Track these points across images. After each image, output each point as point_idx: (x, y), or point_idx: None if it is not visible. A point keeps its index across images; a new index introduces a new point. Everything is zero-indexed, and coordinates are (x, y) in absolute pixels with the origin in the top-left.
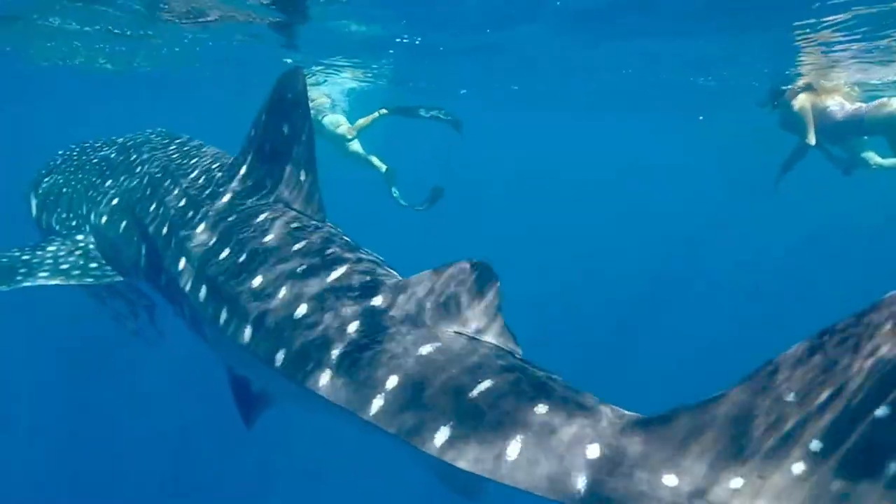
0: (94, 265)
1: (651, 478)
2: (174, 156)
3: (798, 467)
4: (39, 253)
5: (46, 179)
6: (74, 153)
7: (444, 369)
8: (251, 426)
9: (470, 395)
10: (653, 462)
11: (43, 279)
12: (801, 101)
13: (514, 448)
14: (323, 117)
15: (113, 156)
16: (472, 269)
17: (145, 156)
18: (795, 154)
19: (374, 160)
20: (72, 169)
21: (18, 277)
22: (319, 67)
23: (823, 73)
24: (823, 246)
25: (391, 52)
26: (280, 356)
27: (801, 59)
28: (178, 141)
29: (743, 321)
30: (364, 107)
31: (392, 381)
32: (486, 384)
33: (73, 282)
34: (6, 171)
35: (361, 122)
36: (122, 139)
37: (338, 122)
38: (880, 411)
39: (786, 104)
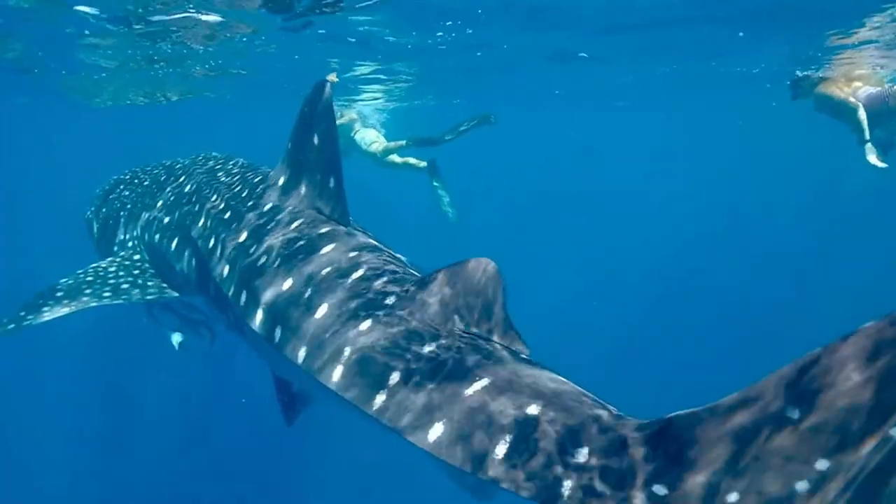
0: (151, 283)
1: (641, 487)
2: (219, 173)
3: (802, 486)
4: (101, 274)
5: (103, 204)
6: (127, 178)
7: (445, 367)
8: (291, 423)
9: (466, 392)
10: (645, 471)
11: (107, 299)
12: (825, 86)
13: (501, 448)
14: (355, 133)
15: (163, 178)
16: (477, 269)
17: (193, 175)
18: (858, 132)
19: (412, 161)
20: (126, 193)
21: (85, 298)
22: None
23: (852, 61)
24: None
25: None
26: (301, 353)
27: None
28: (222, 159)
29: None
30: (401, 123)
31: (394, 378)
32: (483, 382)
33: (134, 300)
34: (61, 198)
35: (390, 145)
36: (169, 162)
37: (370, 139)
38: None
39: (809, 89)
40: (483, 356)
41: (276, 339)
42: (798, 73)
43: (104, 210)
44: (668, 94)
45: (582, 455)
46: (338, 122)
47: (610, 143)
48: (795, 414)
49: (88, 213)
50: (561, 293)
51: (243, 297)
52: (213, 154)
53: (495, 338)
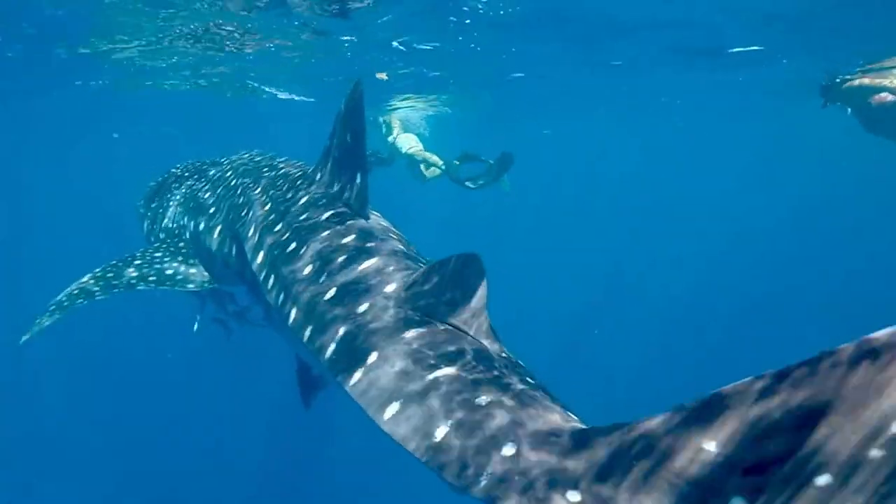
0: (193, 271)
1: (552, 491)
2: (264, 168)
3: None
4: (147, 259)
5: (155, 195)
6: (177, 172)
7: (414, 353)
8: (308, 406)
9: (426, 378)
10: (560, 476)
11: (153, 284)
12: (856, 82)
13: (441, 431)
14: (395, 137)
15: (211, 171)
16: (463, 264)
17: (238, 170)
18: None
19: (438, 164)
20: (176, 185)
21: (132, 281)
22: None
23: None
24: None
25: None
26: (307, 332)
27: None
28: (267, 156)
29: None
30: (444, 133)
31: (372, 357)
32: (443, 371)
33: (177, 287)
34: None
35: (428, 156)
36: (218, 158)
37: (410, 142)
38: (821, 479)
39: (839, 92)
40: (447, 347)
41: (290, 321)
42: (839, 78)
43: (155, 201)
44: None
45: (508, 450)
46: (393, 136)
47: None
48: (713, 447)
49: (140, 203)
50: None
51: (271, 281)
52: (259, 151)
53: (471, 330)
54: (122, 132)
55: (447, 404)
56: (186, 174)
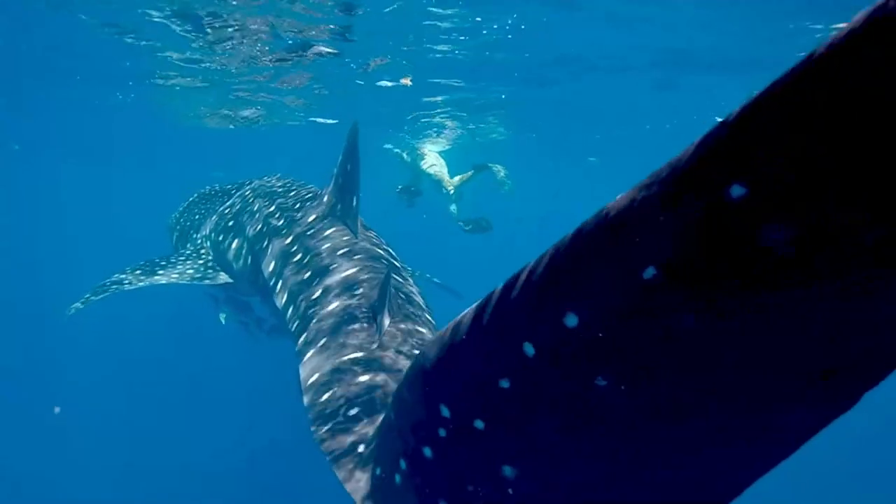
0: (210, 270)
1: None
2: (280, 189)
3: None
4: (172, 260)
5: (184, 211)
6: (205, 192)
7: (335, 334)
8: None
9: (337, 358)
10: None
11: (175, 278)
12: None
13: (329, 396)
14: (422, 161)
15: (234, 191)
16: (387, 278)
17: (258, 190)
18: None
19: (465, 177)
20: (202, 202)
21: (157, 277)
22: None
23: None
24: None
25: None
26: (294, 324)
27: None
28: (285, 180)
29: None
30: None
31: (311, 334)
32: (349, 353)
33: (195, 282)
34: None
35: (452, 180)
36: (240, 181)
37: (430, 161)
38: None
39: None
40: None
41: (286, 318)
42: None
43: (182, 215)
44: None
45: (352, 409)
46: (423, 162)
47: None
48: (393, 415)
49: (171, 218)
50: None
51: (278, 286)
52: (280, 175)
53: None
54: None
55: (340, 368)
56: (212, 193)
